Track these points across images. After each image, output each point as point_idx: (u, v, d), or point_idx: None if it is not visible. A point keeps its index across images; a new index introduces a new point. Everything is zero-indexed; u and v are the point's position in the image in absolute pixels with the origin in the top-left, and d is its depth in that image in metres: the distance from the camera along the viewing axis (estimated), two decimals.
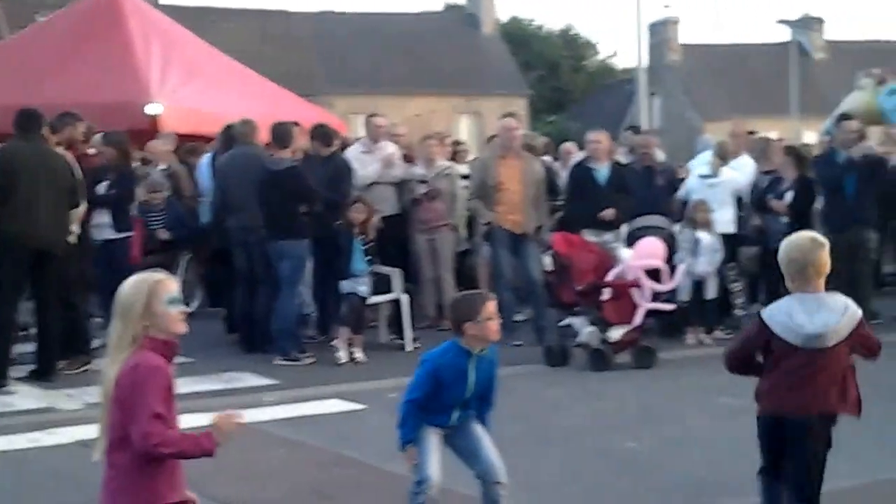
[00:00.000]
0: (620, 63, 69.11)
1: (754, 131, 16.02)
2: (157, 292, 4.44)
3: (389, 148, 14.05)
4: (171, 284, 4.53)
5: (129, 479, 4.38)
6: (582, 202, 13.29)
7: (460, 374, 5.96)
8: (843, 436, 5.86)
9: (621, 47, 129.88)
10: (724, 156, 13.92)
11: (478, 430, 6.22)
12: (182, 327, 4.53)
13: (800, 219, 13.28)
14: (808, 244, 5.98)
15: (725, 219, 13.38)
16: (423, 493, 6.04)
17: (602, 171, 13.23)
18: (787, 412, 5.66)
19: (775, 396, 5.70)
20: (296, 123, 12.79)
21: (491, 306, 5.90)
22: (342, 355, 11.90)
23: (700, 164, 14.22)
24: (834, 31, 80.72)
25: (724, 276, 13.45)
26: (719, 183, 13.53)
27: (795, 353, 5.63)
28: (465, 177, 14.32)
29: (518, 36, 61.29)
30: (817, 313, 5.68)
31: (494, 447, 6.19)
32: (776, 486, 5.85)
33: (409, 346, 12.58)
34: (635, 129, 17.29)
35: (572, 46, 68.04)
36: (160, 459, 4.37)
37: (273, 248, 12.01)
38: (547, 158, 15.39)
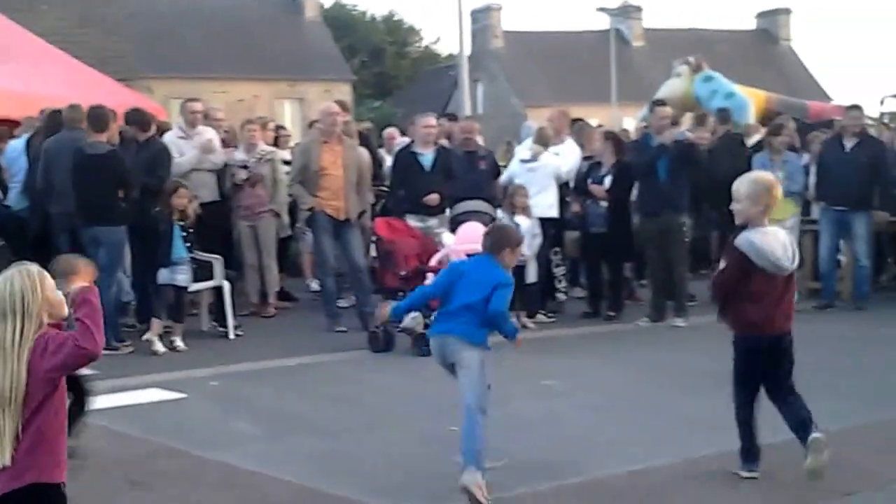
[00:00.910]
0: (444, 49, 69.47)
1: (580, 118, 16.20)
2: (45, 281, 4.48)
3: (207, 133, 13.84)
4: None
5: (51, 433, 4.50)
6: (407, 187, 13.29)
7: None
8: None
9: (445, 33, 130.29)
10: (543, 141, 14.06)
11: None
12: (66, 310, 4.59)
13: (618, 203, 13.50)
14: (776, 183, 6.98)
15: (546, 203, 13.52)
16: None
17: (427, 156, 13.23)
18: (777, 332, 6.76)
19: (771, 320, 6.72)
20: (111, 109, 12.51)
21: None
22: (158, 347, 11.69)
23: (525, 149, 14.35)
24: (652, 19, 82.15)
25: (548, 261, 13.61)
26: (539, 167, 13.66)
27: (773, 280, 6.66)
28: (288, 162, 14.20)
29: (341, 21, 61.03)
30: (785, 247, 6.67)
31: None
32: (753, 414, 6.86)
33: (231, 334, 12.44)
34: (452, 117, 17.36)
35: (396, 32, 68.08)
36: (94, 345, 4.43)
37: (88, 234, 11.74)
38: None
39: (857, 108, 14.77)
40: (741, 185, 6.82)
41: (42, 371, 4.39)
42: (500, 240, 7.13)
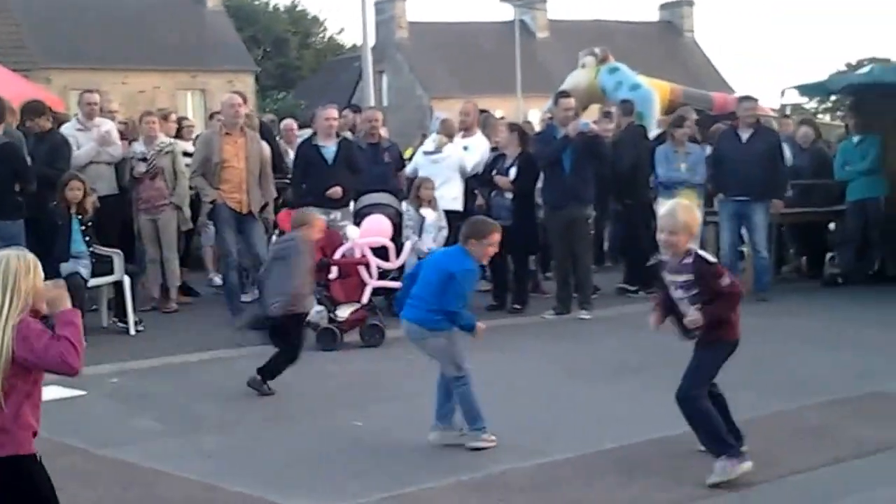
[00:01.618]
0: (349, 40, 69.30)
1: (485, 110, 16.19)
2: (38, 270, 4.68)
3: (105, 125, 13.62)
4: None
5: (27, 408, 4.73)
6: (309, 180, 13.18)
7: (475, 275, 7.63)
8: None
9: (349, 24, 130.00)
10: (448, 132, 14.04)
11: None
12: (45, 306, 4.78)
13: (523, 196, 13.48)
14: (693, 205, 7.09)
15: (450, 195, 13.50)
16: (469, 383, 7.53)
17: (330, 148, 13.12)
18: None
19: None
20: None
21: (496, 237, 7.55)
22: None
23: (430, 141, 14.35)
24: (556, 10, 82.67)
25: None
26: (443, 159, 13.64)
27: None
28: (189, 154, 14.00)
29: (243, 11, 60.63)
30: None
31: None
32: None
33: (131, 330, 12.25)
34: (355, 108, 17.25)
35: (299, 22, 67.76)
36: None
37: None
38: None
39: (750, 98, 14.89)
40: (677, 216, 6.75)
41: (19, 355, 4.55)
42: (465, 231, 7.62)
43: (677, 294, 6.83)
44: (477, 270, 7.73)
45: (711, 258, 6.84)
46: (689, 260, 6.72)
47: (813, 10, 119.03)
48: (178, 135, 15.10)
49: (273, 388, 9.29)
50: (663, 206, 7.11)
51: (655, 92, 20.29)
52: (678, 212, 6.76)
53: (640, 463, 6.89)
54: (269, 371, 9.31)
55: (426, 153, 13.86)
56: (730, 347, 6.88)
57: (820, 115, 43.87)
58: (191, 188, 13.72)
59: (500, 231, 7.72)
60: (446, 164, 13.60)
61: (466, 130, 14.52)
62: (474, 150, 14.10)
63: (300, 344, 9.48)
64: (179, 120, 16.18)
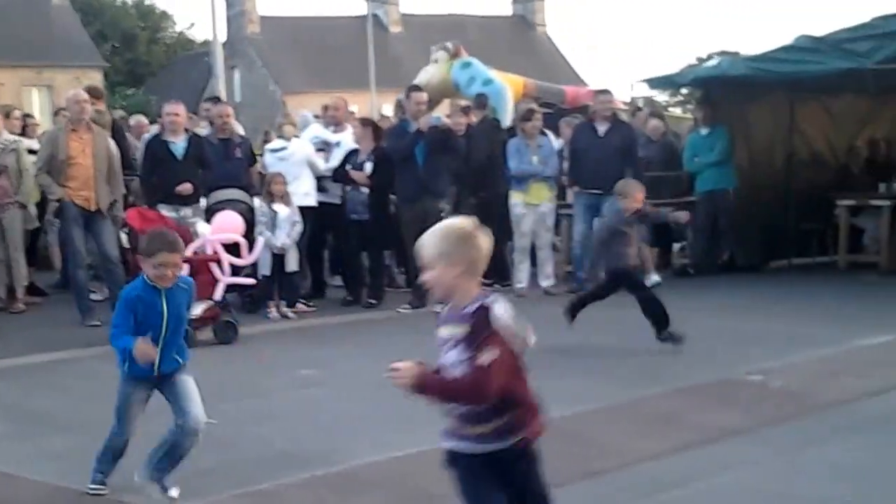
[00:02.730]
0: (199, 35, 68.76)
1: None
2: None
3: None
4: None
5: None
6: (158, 177, 13.02)
7: (151, 306, 6.21)
8: None
9: (199, 18, 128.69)
10: (291, 122, 14.09)
11: (186, 383, 6.48)
12: None
13: (379, 190, 13.48)
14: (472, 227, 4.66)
15: (302, 191, 13.45)
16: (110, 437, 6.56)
17: (179, 144, 12.98)
18: None
19: None
20: None
21: (164, 258, 6.11)
22: None
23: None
24: (409, 4, 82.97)
25: (315, 248, 13.60)
26: (290, 155, 13.60)
27: None
28: (34, 151, 13.71)
29: (90, 6, 59.68)
30: None
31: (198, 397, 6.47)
32: None
33: None
34: (215, 100, 17.06)
35: (148, 17, 67.00)
36: None
37: None
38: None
39: (606, 92, 15.09)
40: (426, 244, 4.73)
41: None
42: (141, 250, 6.37)
43: (448, 358, 4.41)
44: (133, 296, 6.24)
45: (504, 320, 4.30)
46: (472, 307, 4.39)
47: (664, 5, 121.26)
48: (23, 132, 14.82)
49: (679, 332, 10.38)
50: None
51: (509, 87, 20.40)
52: (431, 238, 4.71)
53: None
54: (657, 321, 10.48)
55: (272, 150, 13.81)
56: None
57: (672, 109, 44.65)
58: (40, 186, 13.44)
59: (175, 249, 6.25)
60: (293, 161, 13.55)
61: (337, 125, 14.57)
62: (345, 146, 14.11)
63: (644, 285, 11.24)
64: (24, 117, 15.88)
